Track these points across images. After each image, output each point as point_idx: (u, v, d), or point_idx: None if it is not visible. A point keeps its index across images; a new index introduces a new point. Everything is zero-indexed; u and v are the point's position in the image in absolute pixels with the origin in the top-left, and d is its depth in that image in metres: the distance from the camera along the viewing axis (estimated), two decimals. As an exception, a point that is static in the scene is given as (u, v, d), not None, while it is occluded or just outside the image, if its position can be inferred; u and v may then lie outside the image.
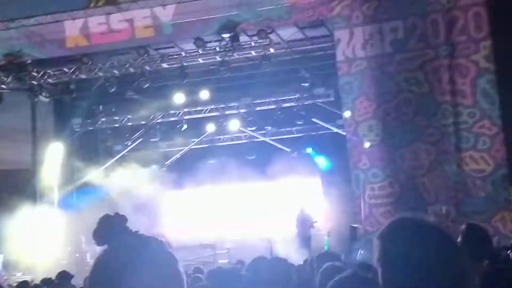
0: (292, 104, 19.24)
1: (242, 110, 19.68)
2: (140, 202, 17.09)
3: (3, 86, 17.55)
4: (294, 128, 20.06)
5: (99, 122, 20.18)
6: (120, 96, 18.69)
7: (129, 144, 20.76)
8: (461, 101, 13.78)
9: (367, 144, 14.11)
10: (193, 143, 20.91)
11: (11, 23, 16.58)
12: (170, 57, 17.35)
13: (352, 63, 14.53)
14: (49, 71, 17.49)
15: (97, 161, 19.99)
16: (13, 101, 18.01)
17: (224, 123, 20.04)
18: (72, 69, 17.45)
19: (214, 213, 19.55)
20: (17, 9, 16.41)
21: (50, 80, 17.79)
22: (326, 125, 19.23)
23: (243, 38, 15.91)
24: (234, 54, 16.26)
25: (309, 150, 19.85)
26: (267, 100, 19.48)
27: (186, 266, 10.06)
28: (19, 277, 15.40)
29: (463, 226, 4.12)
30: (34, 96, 18.35)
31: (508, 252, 6.80)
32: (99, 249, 1.62)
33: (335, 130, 18.34)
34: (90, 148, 20.34)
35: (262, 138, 20.39)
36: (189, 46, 16.44)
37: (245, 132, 20.49)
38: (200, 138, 20.75)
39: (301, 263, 9.46)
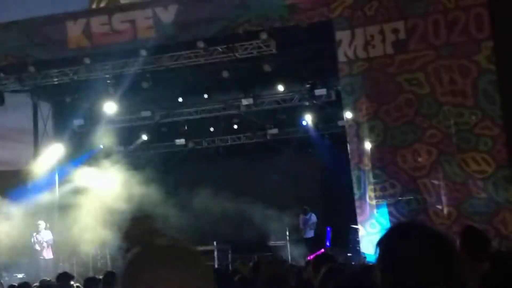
0: (294, 104, 19.27)
1: (242, 110, 19.73)
2: (139, 204, 17.09)
3: (4, 87, 17.57)
4: (295, 129, 20.09)
5: (100, 123, 20.19)
6: (121, 96, 18.70)
7: (130, 144, 20.80)
8: (462, 102, 13.77)
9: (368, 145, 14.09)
10: (194, 144, 20.95)
11: (13, 24, 16.59)
12: (171, 58, 17.35)
13: (354, 64, 14.52)
14: (50, 72, 17.51)
15: (97, 161, 20.01)
16: (14, 102, 18.07)
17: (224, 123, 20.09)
18: (74, 70, 17.47)
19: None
20: (19, 9, 16.46)
21: (51, 81, 17.80)
22: (327, 126, 19.26)
23: (244, 38, 15.91)
24: (235, 54, 16.26)
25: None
26: (267, 100, 19.52)
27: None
28: (19, 278, 15.43)
29: (461, 229, 4.13)
30: (35, 97, 18.39)
31: None
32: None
33: (336, 130, 18.36)
34: (90, 148, 20.35)
35: (262, 139, 20.42)
36: (191, 46, 16.46)
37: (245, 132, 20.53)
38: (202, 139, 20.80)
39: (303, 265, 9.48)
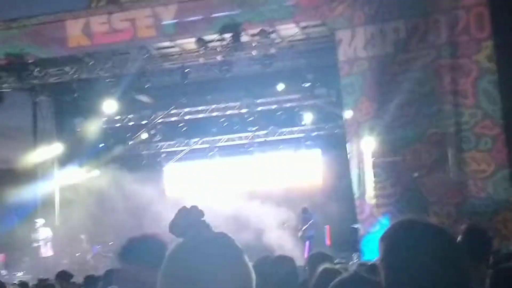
0: (294, 104, 19.25)
1: (243, 110, 19.70)
2: (138, 203, 17.09)
3: (5, 86, 17.55)
4: (295, 128, 20.07)
5: (100, 122, 20.18)
6: (121, 96, 18.67)
7: (130, 144, 20.77)
8: (463, 102, 13.76)
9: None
10: (194, 144, 20.92)
11: (13, 23, 16.57)
12: (172, 57, 17.34)
13: (354, 63, 14.51)
14: (50, 70, 17.49)
15: (97, 159, 20.00)
16: (14, 101, 18.05)
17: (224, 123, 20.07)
18: (74, 69, 17.45)
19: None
20: (19, 8, 16.45)
21: (51, 80, 17.78)
22: (328, 126, 19.24)
23: (244, 38, 15.89)
24: (235, 53, 16.24)
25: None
26: (268, 100, 19.50)
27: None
28: (19, 277, 15.40)
29: (463, 227, 4.11)
30: (35, 95, 18.37)
31: None
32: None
33: (337, 130, 18.34)
34: (90, 148, 20.33)
35: (263, 139, 20.40)
36: (191, 45, 16.45)
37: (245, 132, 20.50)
38: (201, 139, 20.77)
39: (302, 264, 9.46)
